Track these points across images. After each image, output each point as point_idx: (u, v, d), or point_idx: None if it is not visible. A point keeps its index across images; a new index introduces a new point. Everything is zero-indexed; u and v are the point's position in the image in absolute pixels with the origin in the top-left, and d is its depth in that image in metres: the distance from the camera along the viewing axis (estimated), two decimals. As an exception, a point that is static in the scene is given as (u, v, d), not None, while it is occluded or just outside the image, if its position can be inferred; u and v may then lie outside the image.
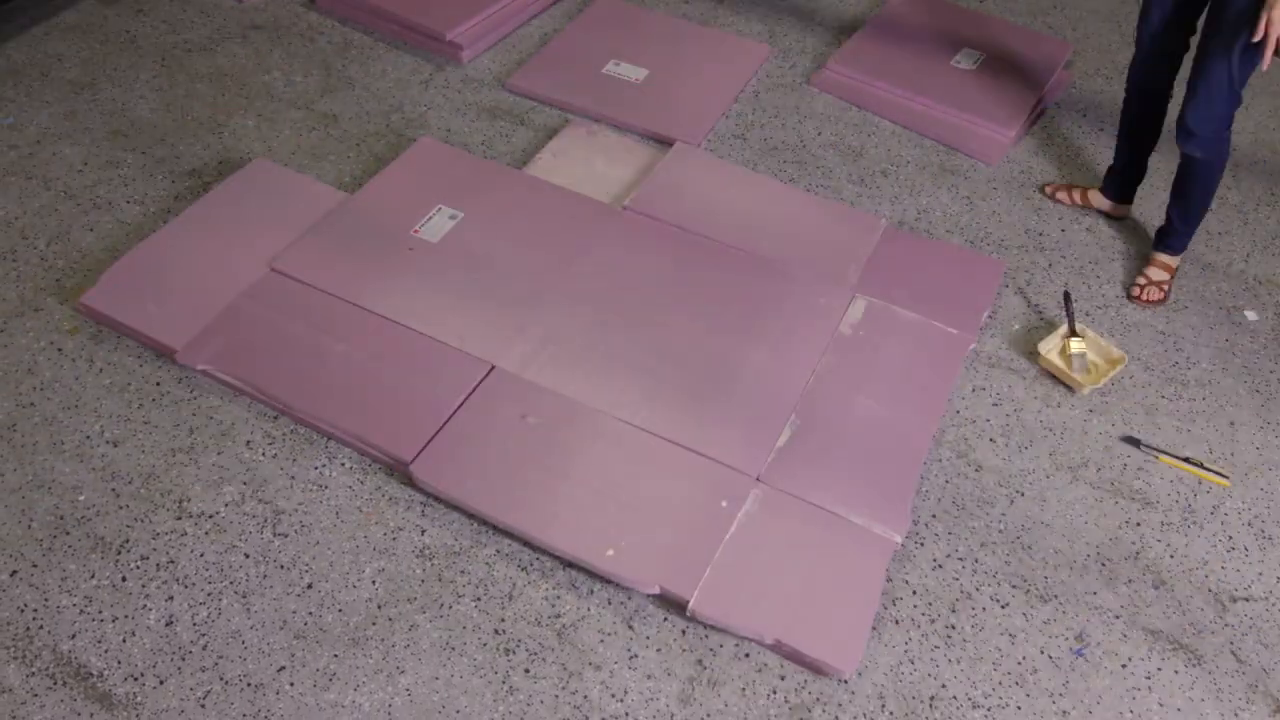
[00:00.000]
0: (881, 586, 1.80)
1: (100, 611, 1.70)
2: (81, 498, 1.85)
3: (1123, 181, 2.53)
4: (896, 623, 1.77)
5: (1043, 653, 1.75)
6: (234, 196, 2.32)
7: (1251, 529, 1.96)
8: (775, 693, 1.66)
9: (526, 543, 1.80)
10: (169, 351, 2.03)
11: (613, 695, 1.65)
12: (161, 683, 1.62)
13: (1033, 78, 2.98)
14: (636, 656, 1.70)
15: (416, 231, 2.26)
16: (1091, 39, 3.29)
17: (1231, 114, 2.09)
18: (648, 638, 1.72)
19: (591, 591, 1.77)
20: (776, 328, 2.14)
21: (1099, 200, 2.59)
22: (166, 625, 1.69)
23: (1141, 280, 2.39)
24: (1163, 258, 2.41)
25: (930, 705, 1.67)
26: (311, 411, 1.92)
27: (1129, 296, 2.37)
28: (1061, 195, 2.62)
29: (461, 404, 1.94)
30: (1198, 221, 2.33)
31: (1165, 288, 2.37)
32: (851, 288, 2.25)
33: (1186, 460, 2.02)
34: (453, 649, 1.69)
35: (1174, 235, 2.37)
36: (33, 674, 1.62)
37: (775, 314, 2.17)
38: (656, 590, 1.73)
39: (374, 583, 1.76)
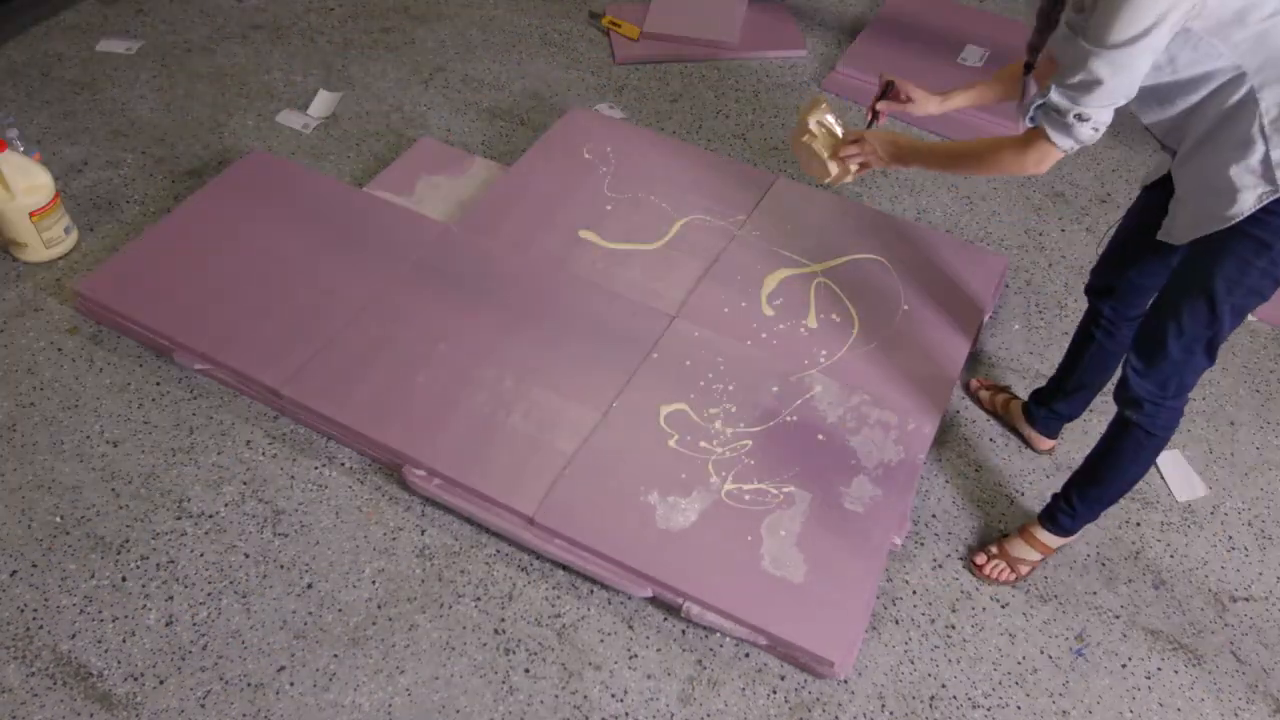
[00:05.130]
0: (878, 587, 1.80)
1: (100, 611, 1.70)
2: (81, 498, 1.85)
3: (1049, 412, 1.96)
4: (896, 623, 1.77)
5: (1043, 653, 1.75)
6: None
7: (1251, 529, 1.96)
8: (775, 693, 1.66)
9: (522, 546, 1.79)
10: (165, 345, 2.03)
11: (613, 695, 1.65)
12: (161, 683, 1.62)
13: (1035, 75, 2.99)
14: (636, 656, 1.70)
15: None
16: (1092, 39, 3.28)
17: (1186, 381, 1.55)
18: (648, 638, 1.72)
19: (591, 592, 1.77)
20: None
21: (1019, 419, 2.03)
22: (166, 625, 1.69)
23: (993, 549, 1.83)
24: (1044, 536, 1.82)
25: (930, 705, 1.67)
26: (311, 409, 1.92)
27: (972, 565, 1.84)
28: (983, 394, 2.12)
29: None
30: (1102, 509, 1.76)
31: (1024, 570, 1.82)
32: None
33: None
34: (453, 649, 1.69)
35: (1067, 516, 1.78)
36: (33, 674, 1.62)
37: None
38: (649, 594, 1.73)
39: (374, 583, 1.76)
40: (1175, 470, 2.04)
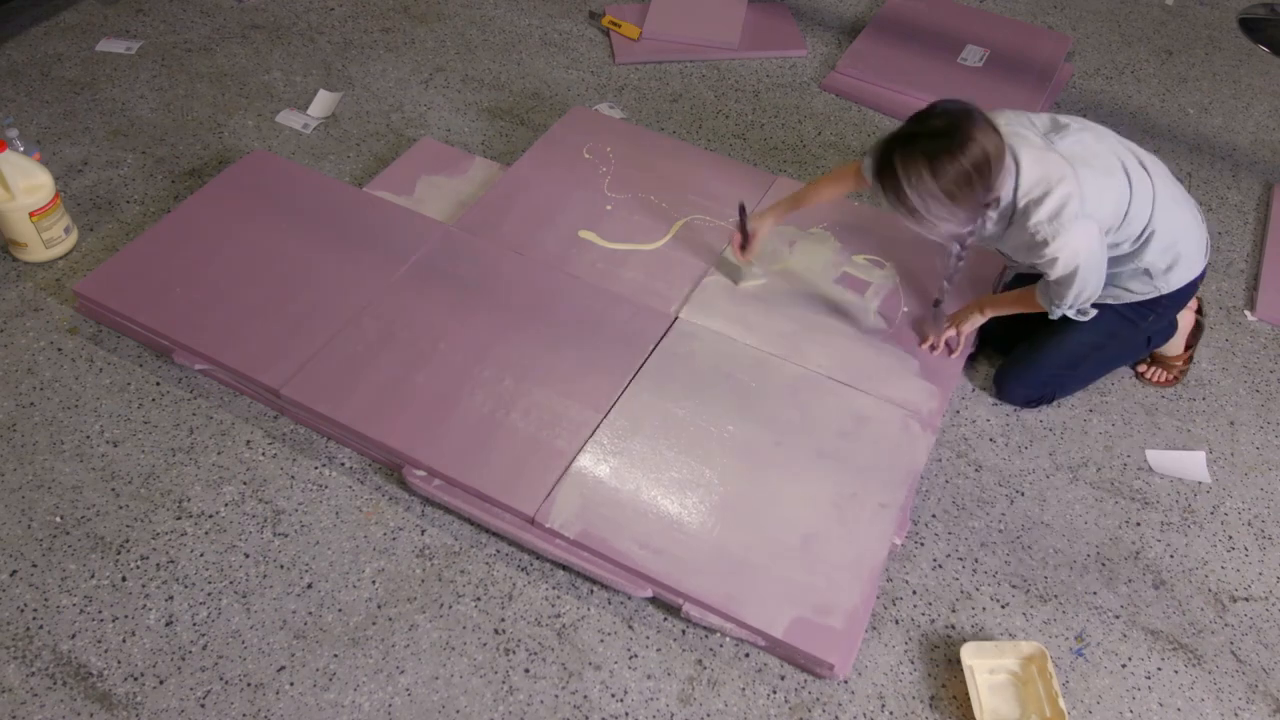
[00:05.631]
0: (878, 587, 1.80)
1: (100, 611, 1.70)
2: (81, 498, 1.85)
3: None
4: (896, 623, 1.77)
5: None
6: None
7: (1251, 529, 1.96)
8: (775, 693, 1.66)
9: (522, 546, 1.79)
10: (165, 345, 2.03)
11: (613, 695, 1.65)
12: (161, 683, 1.62)
13: (1039, 72, 2.99)
14: (636, 656, 1.70)
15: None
16: (1091, 39, 3.29)
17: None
18: (648, 638, 1.72)
19: (591, 591, 1.77)
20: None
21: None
22: (166, 625, 1.69)
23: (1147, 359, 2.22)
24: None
25: (930, 705, 1.67)
26: (311, 409, 1.92)
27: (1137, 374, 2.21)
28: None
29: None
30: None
31: (1179, 364, 2.21)
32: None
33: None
34: (453, 649, 1.69)
35: None
36: (33, 674, 1.62)
37: (775, 314, 2.17)
38: (649, 594, 1.73)
39: (374, 583, 1.76)
40: (1173, 465, 2.04)
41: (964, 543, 1.89)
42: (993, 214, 1.76)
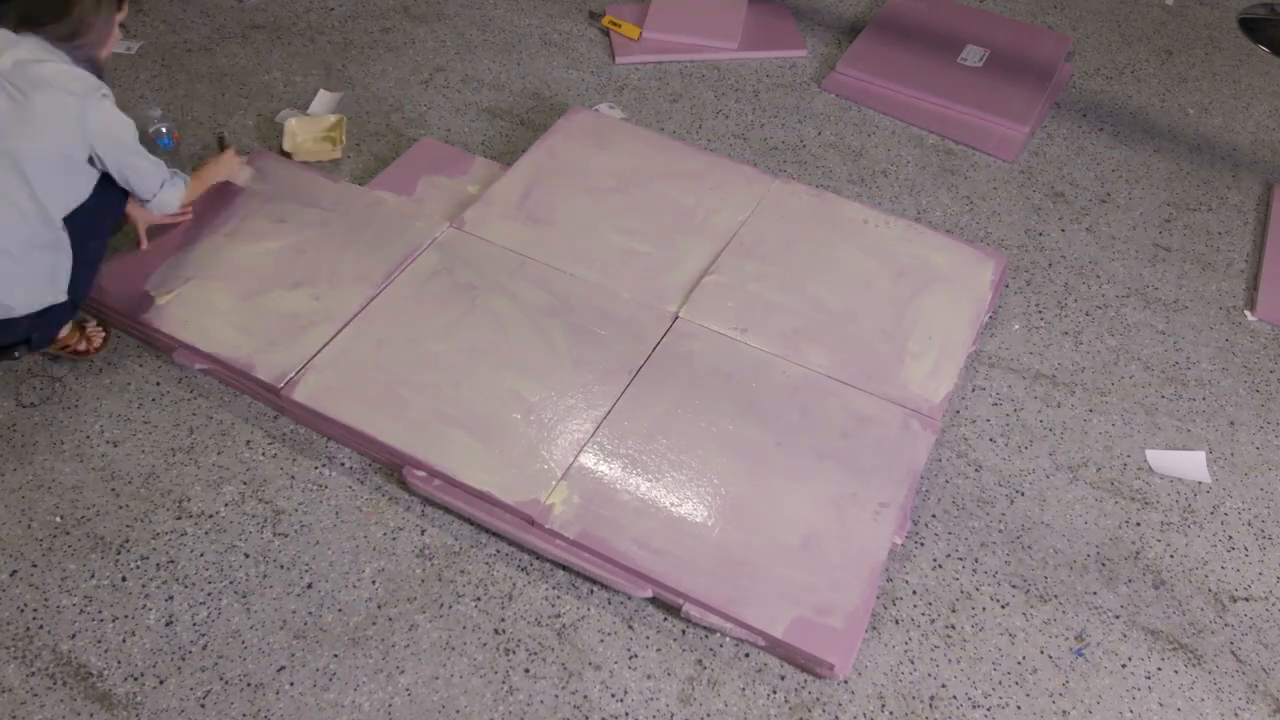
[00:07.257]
0: (878, 587, 1.80)
1: (100, 611, 1.70)
2: (81, 498, 1.85)
3: None
4: (896, 623, 1.77)
5: (1043, 653, 1.75)
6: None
7: (1251, 529, 1.96)
8: (775, 693, 1.66)
9: (522, 546, 1.80)
10: (165, 345, 2.03)
11: (613, 695, 1.65)
12: (161, 683, 1.62)
13: (1038, 72, 2.99)
14: (636, 656, 1.70)
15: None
16: (1091, 39, 3.29)
17: None
18: (648, 638, 1.72)
19: (591, 592, 1.77)
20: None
21: None
22: (166, 625, 1.69)
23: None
24: None
25: (930, 705, 1.67)
26: (311, 409, 1.92)
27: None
28: None
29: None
30: None
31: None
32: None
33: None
34: (453, 649, 1.69)
35: None
36: (33, 674, 1.62)
37: (775, 314, 2.17)
38: (649, 594, 1.73)
39: (374, 583, 1.76)
40: (1173, 465, 2.04)
41: (964, 543, 1.90)
42: None
